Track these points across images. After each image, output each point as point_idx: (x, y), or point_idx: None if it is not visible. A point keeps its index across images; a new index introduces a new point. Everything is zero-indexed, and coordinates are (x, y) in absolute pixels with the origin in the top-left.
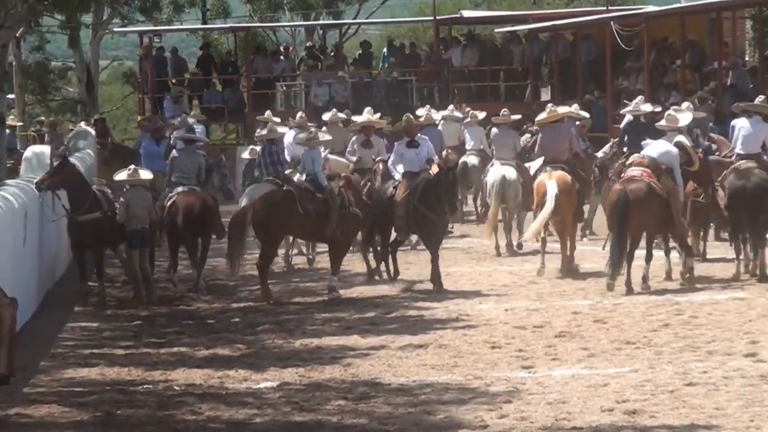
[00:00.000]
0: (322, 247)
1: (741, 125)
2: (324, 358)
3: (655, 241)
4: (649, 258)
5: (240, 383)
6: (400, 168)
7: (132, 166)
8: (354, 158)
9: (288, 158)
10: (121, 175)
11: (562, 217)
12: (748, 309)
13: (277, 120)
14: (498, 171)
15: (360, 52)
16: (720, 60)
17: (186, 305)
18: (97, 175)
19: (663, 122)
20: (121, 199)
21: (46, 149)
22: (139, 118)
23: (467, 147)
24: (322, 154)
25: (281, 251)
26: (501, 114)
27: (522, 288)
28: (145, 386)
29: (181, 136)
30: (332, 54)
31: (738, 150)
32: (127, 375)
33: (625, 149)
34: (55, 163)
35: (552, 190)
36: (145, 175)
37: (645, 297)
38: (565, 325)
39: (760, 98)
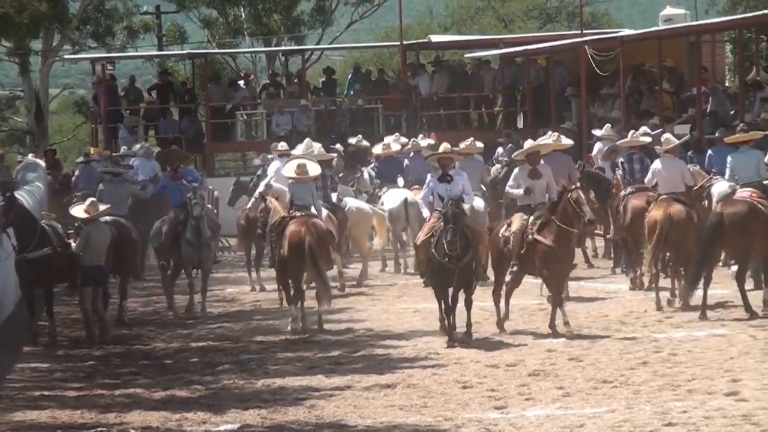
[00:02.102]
0: None
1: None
2: (287, 399)
3: None
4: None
5: (199, 426)
6: (432, 204)
7: (90, 200)
8: (517, 192)
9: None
10: (78, 210)
11: None
12: (729, 346)
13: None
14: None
15: (323, 79)
16: (699, 85)
17: (142, 344)
18: (47, 209)
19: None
20: (82, 231)
21: None
22: (91, 149)
23: None
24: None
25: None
26: (466, 143)
27: (494, 325)
28: (98, 429)
29: (105, 170)
30: (295, 81)
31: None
32: (79, 418)
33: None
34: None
35: None
36: (102, 206)
37: (622, 334)
38: (539, 364)
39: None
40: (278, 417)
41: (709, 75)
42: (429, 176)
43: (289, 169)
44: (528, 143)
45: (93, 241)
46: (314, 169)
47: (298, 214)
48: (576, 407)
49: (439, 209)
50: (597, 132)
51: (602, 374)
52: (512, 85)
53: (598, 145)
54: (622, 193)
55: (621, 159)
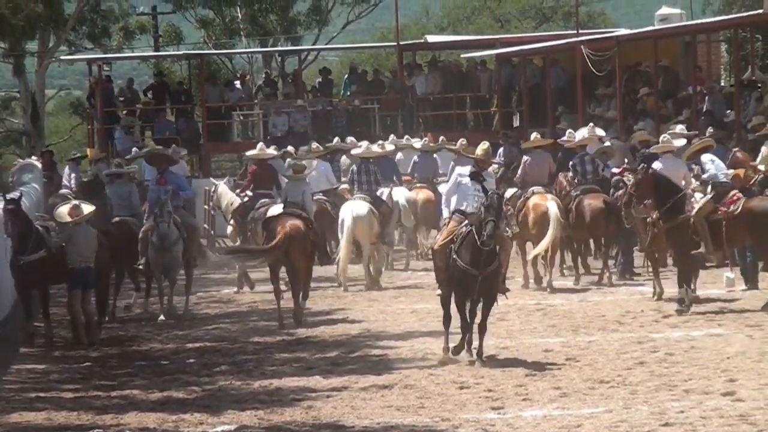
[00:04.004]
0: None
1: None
2: (284, 399)
3: None
4: None
5: (196, 427)
6: (453, 203)
7: (75, 201)
8: None
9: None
10: (62, 213)
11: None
12: (726, 346)
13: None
14: None
15: (320, 79)
16: (695, 85)
17: (138, 346)
18: (42, 210)
19: (659, 145)
20: (63, 233)
21: None
22: (88, 150)
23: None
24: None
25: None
26: (459, 144)
27: (491, 325)
28: (95, 431)
29: (109, 172)
30: (291, 81)
31: None
32: (76, 419)
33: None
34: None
35: (553, 209)
36: (88, 209)
37: (619, 334)
38: (536, 364)
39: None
40: (275, 418)
41: (705, 74)
42: (457, 168)
43: (288, 170)
44: None
45: (77, 243)
46: (310, 166)
47: (288, 211)
48: (573, 407)
49: (461, 210)
50: (579, 134)
51: (599, 374)
52: (508, 85)
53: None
54: (573, 193)
55: (572, 161)
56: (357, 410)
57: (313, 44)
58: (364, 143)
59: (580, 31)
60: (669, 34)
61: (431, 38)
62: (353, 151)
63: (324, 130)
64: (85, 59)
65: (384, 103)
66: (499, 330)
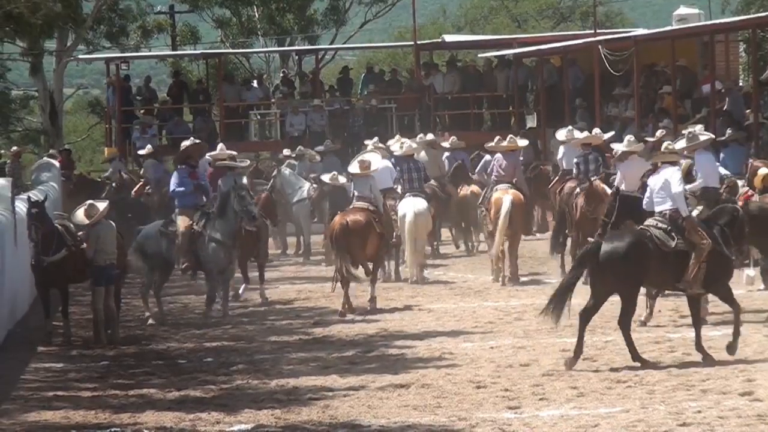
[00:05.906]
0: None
1: None
2: (301, 399)
3: None
4: None
5: (213, 426)
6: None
7: (88, 202)
8: None
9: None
10: (80, 217)
11: (514, 230)
12: (744, 346)
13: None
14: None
15: (340, 75)
16: (713, 84)
17: (156, 345)
18: (61, 208)
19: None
20: (91, 233)
21: (6, 182)
22: (106, 150)
23: (493, 178)
24: None
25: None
26: (508, 140)
27: (508, 325)
28: (112, 429)
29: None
30: (308, 81)
31: None
32: (93, 418)
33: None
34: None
35: (506, 204)
36: (102, 206)
37: (636, 334)
38: (553, 364)
39: None
40: (292, 417)
41: (724, 74)
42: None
43: (354, 166)
44: None
45: (102, 242)
46: (377, 163)
47: (357, 205)
48: (590, 407)
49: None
50: (560, 136)
51: (616, 374)
52: (525, 85)
53: (561, 149)
54: (576, 190)
55: (576, 159)
56: (374, 409)
57: (331, 43)
58: (407, 142)
59: (598, 31)
60: (687, 34)
61: (448, 38)
62: (394, 152)
63: (341, 130)
64: (103, 58)
65: (401, 103)
66: (516, 329)
